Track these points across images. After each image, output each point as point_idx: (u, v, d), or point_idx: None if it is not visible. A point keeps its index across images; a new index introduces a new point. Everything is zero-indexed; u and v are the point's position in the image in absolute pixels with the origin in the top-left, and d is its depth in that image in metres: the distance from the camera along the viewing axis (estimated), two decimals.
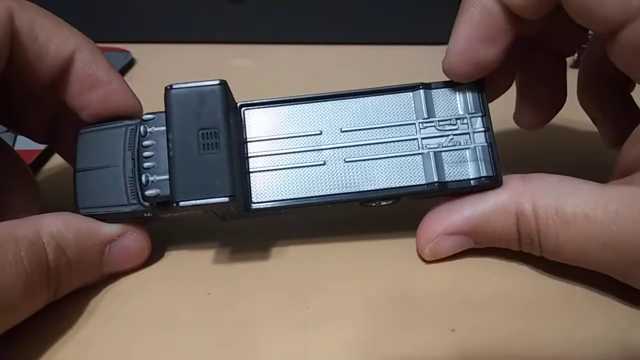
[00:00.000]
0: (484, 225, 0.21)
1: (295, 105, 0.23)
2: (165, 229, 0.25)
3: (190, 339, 0.20)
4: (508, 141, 0.24)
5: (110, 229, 0.22)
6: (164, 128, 0.21)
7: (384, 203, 0.22)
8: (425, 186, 0.22)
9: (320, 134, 0.22)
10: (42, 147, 0.30)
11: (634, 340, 0.19)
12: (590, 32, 0.24)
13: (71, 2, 0.45)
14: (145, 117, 0.22)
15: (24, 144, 0.28)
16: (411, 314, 0.21)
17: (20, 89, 0.25)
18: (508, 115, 0.26)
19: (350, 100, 0.23)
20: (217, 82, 0.21)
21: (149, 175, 0.21)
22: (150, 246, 0.23)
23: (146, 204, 0.21)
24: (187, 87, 0.21)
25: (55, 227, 0.20)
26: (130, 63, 0.42)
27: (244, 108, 0.23)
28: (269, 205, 0.22)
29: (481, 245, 0.22)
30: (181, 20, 0.45)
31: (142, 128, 0.22)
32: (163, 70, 0.41)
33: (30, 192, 0.24)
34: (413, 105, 0.23)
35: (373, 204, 0.22)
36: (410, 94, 0.23)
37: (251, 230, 0.25)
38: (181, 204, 0.20)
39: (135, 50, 0.43)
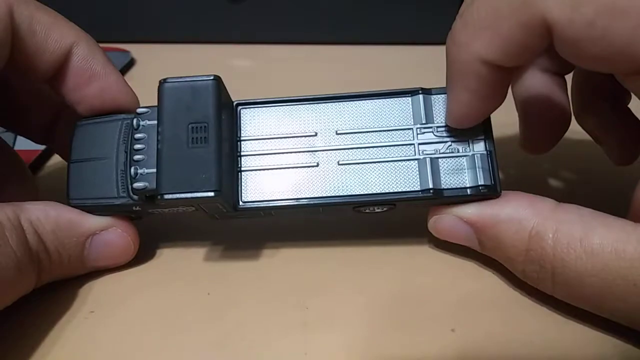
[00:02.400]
0: (492, 228, 0.20)
1: (291, 106, 0.23)
2: (165, 229, 0.25)
3: (190, 339, 0.20)
4: (504, 149, 0.23)
5: (91, 223, 0.22)
6: (156, 122, 0.21)
7: (378, 210, 0.22)
8: (420, 193, 0.21)
9: (315, 135, 0.22)
10: (41, 147, 0.30)
11: (634, 341, 0.19)
12: None
13: (71, 2, 0.45)
14: (139, 110, 0.22)
15: (24, 144, 0.28)
16: (411, 314, 0.21)
17: (19, 88, 0.25)
18: (505, 122, 0.26)
19: (347, 102, 0.22)
20: (211, 77, 0.21)
21: (138, 168, 0.21)
22: (137, 244, 0.23)
23: (135, 197, 0.21)
24: (181, 81, 0.21)
25: (35, 215, 0.20)
26: (130, 63, 0.42)
27: (240, 107, 0.23)
28: (258, 204, 0.21)
29: (485, 250, 0.21)
30: (181, 20, 0.45)
31: (135, 121, 0.22)
32: (163, 70, 0.41)
33: (28, 192, 0.24)
34: (411, 109, 0.22)
35: (367, 210, 0.22)
36: (409, 98, 0.22)
37: (251, 231, 0.25)
38: (166, 197, 0.20)
39: (135, 50, 0.43)
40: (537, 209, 0.19)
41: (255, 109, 0.23)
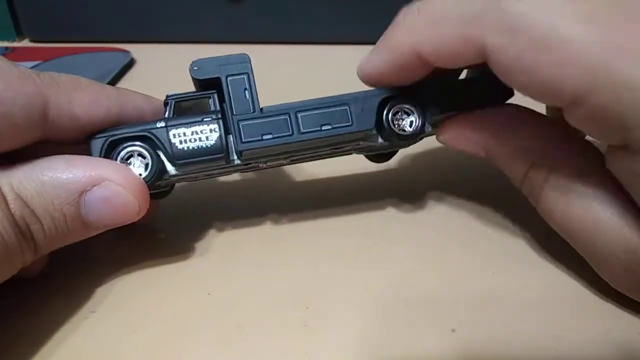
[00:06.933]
0: (504, 159, 0.22)
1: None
2: (164, 228, 0.25)
3: (190, 339, 0.20)
4: None
5: (79, 178, 0.19)
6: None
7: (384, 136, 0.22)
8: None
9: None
10: None
11: (634, 341, 0.19)
12: None
13: (72, 2, 0.45)
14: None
15: None
16: (411, 314, 0.21)
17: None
18: None
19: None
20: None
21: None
22: (141, 197, 0.20)
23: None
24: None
25: (16, 177, 0.19)
26: (130, 63, 0.42)
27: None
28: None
29: (489, 158, 0.22)
30: (181, 20, 0.45)
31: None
32: (163, 70, 0.41)
33: None
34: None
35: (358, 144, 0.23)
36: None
37: (252, 230, 0.25)
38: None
39: (135, 50, 0.43)
40: (544, 140, 0.21)
41: None
